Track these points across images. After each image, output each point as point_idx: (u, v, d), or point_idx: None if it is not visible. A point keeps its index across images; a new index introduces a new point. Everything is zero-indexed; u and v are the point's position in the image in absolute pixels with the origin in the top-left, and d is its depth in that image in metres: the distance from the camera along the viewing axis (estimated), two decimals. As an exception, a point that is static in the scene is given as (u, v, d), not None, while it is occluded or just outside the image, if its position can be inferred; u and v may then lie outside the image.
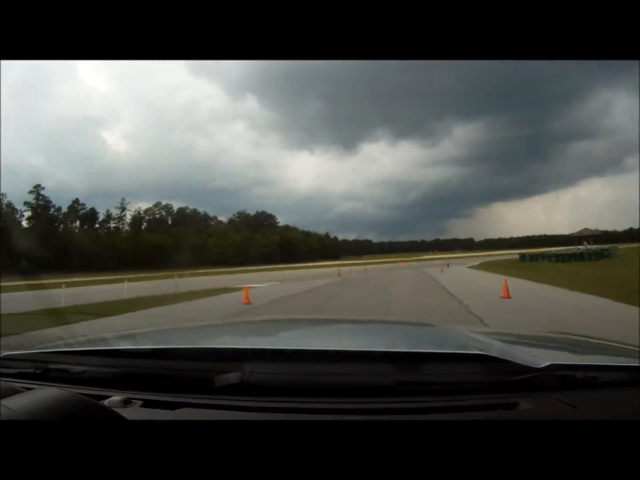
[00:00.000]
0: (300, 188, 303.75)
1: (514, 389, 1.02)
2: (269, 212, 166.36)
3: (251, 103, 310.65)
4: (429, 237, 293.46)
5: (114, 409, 0.88)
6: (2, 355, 1.31)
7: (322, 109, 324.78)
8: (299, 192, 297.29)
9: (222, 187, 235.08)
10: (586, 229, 55.23)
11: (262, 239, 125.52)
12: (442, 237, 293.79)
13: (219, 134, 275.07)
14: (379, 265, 59.51)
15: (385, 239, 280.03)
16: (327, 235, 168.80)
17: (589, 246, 43.41)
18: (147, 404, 1.04)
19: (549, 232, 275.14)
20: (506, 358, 1.05)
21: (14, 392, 0.80)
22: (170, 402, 1.04)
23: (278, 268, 65.34)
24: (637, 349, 1.43)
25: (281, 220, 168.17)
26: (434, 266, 41.72)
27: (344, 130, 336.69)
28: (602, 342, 1.78)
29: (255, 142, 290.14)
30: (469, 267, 37.82)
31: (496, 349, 1.24)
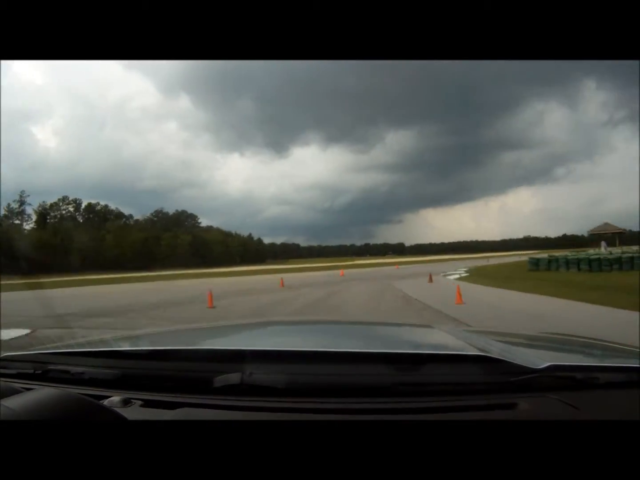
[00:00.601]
0: (230, 190, 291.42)
1: (514, 389, 1.02)
2: (197, 214, 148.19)
3: (184, 102, 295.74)
4: (359, 242, 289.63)
5: (114, 409, 0.88)
6: (1, 355, 1.31)
7: (255, 110, 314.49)
8: (229, 195, 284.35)
9: (152, 187, 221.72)
10: (607, 224, 42.32)
11: (171, 239, 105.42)
12: (372, 242, 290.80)
13: (150, 133, 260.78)
14: (310, 275, 36.68)
15: (314, 243, 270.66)
16: (250, 237, 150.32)
17: (610, 249, 29.96)
18: (146, 404, 1.04)
19: (480, 238, 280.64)
20: (506, 359, 1.06)
21: (14, 392, 0.80)
22: (170, 402, 1.04)
23: (180, 275, 47.67)
24: (637, 349, 1.45)
25: (210, 223, 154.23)
26: (404, 278, 24.43)
27: (276, 133, 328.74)
28: (601, 343, 1.78)
29: (187, 142, 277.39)
30: (457, 279, 22.77)
31: (496, 349, 1.24)
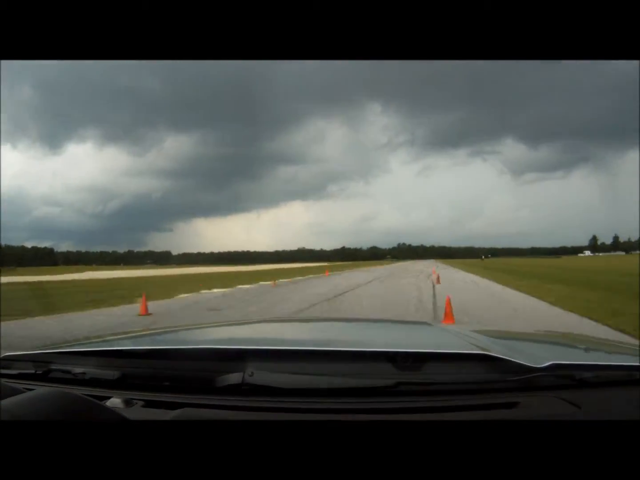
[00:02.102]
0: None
1: (515, 388, 1.03)
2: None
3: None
4: (123, 249, 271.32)
5: (116, 409, 0.88)
6: (3, 355, 1.31)
7: (34, 97, 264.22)
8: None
9: None
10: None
11: None
12: (136, 249, 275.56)
13: None
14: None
15: (82, 248, 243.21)
16: None
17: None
18: (148, 404, 1.04)
19: (251, 249, 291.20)
20: (507, 357, 1.06)
21: (15, 392, 0.80)
22: (172, 403, 1.04)
23: None
24: (638, 347, 1.48)
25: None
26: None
27: (52, 126, 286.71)
28: (603, 341, 1.81)
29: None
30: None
31: (497, 348, 1.23)
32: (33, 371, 1.22)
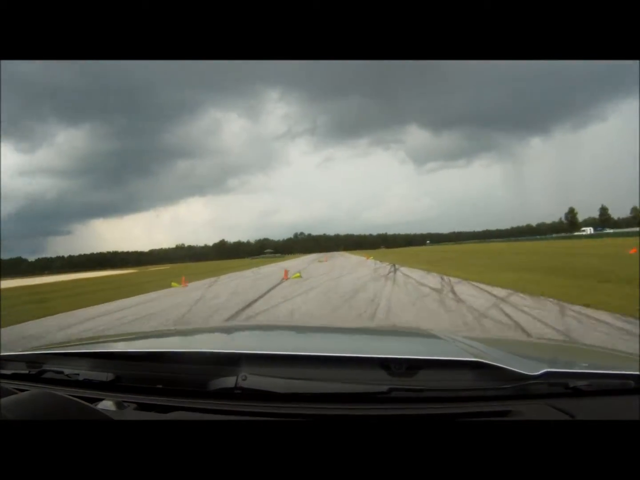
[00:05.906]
0: None
1: (509, 396, 1.01)
2: None
3: None
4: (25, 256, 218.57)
5: (107, 412, 0.87)
6: None
7: None
8: None
9: None
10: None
11: None
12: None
13: None
14: None
15: None
16: None
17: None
18: (140, 407, 1.03)
19: (155, 247, 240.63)
20: (501, 365, 1.04)
21: (7, 393, 0.80)
22: (164, 406, 1.02)
23: None
24: (633, 356, 1.45)
25: None
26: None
27: None
28: (597, 349, 1.80)
29: None
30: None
31: (491, 356, 1.21)
32: (27, 372, 1.21)
